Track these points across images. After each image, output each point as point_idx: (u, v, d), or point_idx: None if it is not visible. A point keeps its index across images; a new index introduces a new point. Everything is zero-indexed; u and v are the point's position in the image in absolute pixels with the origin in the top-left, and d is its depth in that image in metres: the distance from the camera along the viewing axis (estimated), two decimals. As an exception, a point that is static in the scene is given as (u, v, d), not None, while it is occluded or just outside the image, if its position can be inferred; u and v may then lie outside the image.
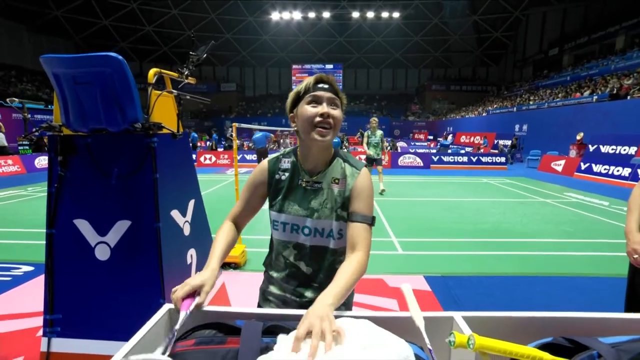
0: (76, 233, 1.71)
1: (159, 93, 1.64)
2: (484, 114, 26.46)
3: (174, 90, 1.77)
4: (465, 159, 13.23)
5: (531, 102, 21.57)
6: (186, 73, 1.90)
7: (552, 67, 26.70)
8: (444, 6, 32.67)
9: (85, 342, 1.72)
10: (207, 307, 0.90)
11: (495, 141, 18.09)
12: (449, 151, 15.60)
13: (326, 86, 1.01)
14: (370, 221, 1.01)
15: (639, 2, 18.90)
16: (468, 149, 17.65)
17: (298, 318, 0.76)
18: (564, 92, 19.49)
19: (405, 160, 13.18)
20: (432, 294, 3.08)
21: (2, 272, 3.50)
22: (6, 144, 12.78)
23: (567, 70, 23.60)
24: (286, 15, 33.36)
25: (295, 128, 1.05)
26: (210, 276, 0.91)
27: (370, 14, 33.66)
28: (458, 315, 0.83)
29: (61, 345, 1.73)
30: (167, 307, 0.91)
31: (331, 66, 38.66)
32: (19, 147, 14.65)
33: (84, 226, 1.72)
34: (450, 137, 23.14)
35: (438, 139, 20.86)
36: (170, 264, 1.77)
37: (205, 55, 1.92)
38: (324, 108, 0.98)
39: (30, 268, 3.57)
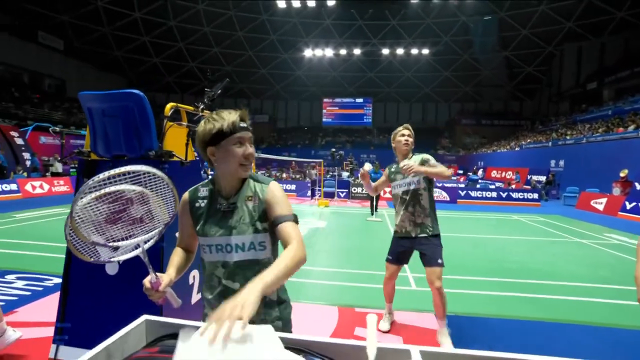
0: (92, 248, 1.89)
1: (170, 124, 1.85)
2: (516, 149, 25.55)
3: (183, 123, 1.98)
4: (494, 194, 12.72)
5: (568, 137, 20.62)
6: (201, 107, 2.11)
7: (591, 101, 25.62)
8: (474, 43, 32.98)
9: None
10: (177, 320, 0.98)
11: (528, 177, 17.28)
12: (478, 186, 15.09)
13: (246, 125, 1.14)
14: (293, 218, 1.13)
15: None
16: (498, 184, 16.98)
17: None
18: (605, 127, 18.51)
19: (430, 193, 12.90)
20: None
21: (36, 282, 3.81)
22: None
23: (609, 104, 22.53)
24: (319, 52, 35.17)
25: (213, 160, 1.13)
26: (167, 274, 1.13)
27: (399, 51, 34.65)
28: (416, 350, 0.84)
29: (68, 353, 1.85)
30: (144, 317, 1.01)
31: (361, 100, 39.61)
32: (70, 170, 16.11)
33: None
34: (480, 172, 22.43)
35: (468, 173, 20.26)
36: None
37: (219, 91, 2.13)
38: (247, 149, 1.12)
39: (60, 280, 3.85)
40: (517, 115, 36.40)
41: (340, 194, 13.45)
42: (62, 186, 12.55)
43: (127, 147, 1.84)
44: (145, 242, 1.14)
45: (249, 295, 0.85)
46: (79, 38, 28.53)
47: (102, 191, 1.04)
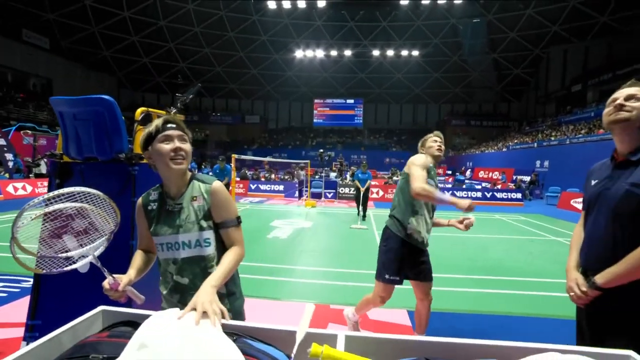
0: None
1: (140, 128, 1.92)
2: (504, 150, 26.03)
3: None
4: (479, 194, 12.98)
5: (553, 138, 21.12)
6: (174, 111, 2.18)
7: (575, 103, 26.27)
8: (463, 45, 33.48)
9: (60, 349, 1.89)
10: (133, 310, 1.06)
11: (514, 177, 17.66)
12: (464, 186, 15.35)
13: (174, 125, 1.21)
14: (237, 222, 1.26)
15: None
16: (485, 184, 17.28)
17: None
18: (587, 129, 19.01)
19: (417, 193, 13.10)
20: (411, 329, 3.05)
21: (12, 283, 3.81)
22: None
23: (592, 106, 23.13)
24: (310, 53, 35.28)
25: (152, 163, 1.25)
26: (127, 274, 1.22)
27: (390, 52, 34.96)
28: (342, 334, 0.93)
29: (40, 350, 1.91)
30: (101, 308, 1.08)
31: (352, 101, 39.84)
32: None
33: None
34: (468, 172, 22.78)
35: (456, 174, 20.59)
36: (141, 280, 1.95)
37: (192, 96, 2.21)
38: (175, 144, 1.18)
39: (39, 282, 3.86)
40: (505, 117, 37.07)
41: (327, 194, 13.55)
42: (45, 187, 12.38)
43: (98, 149, 1.90)
44: (96, 250, 1.23)
45: (208, 294, 1.01)
46: (65, 37, 28.07)
47: (42, 211, 1.14)
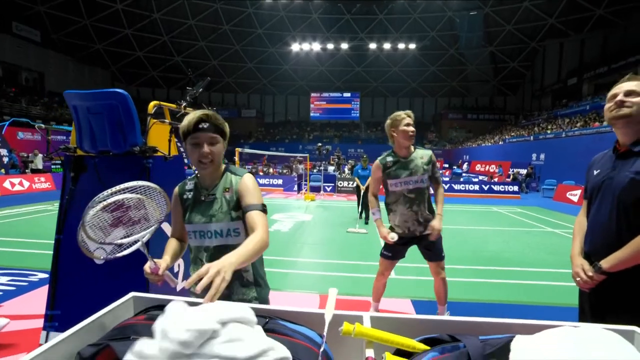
0: (79, 239, 1.99)
1: (154, 121, 1.95)
2: (500, 143, 26.20)
3: (166, 120, 2.07)
4: (476, 187, 13.11)
5: (549, 131, 21.29)
6: (183, 105, 2.21)
7: (571, 96, 26.45)
8: (460, 38, 33.42)
9: (79, 338, 1.94)
10: (162, 296, 1.10)
11: (511, 170, 17.83)
12: (461, 179, 15.49)
13: (205, 126, 1.21)
14: (260, 207, 1.25)
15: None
16: (482, 178, 17.44)
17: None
18: (583, 122, 19.18)
19: (415, 186, 13.20)
20: (416, 317, 3.14)
21: (20, 277, 3.84)
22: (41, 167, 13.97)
23: (587, 100, 23.31)
24: (306, 46, 35.03)
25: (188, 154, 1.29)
26: (164, 259, 1.27)
27: (387, 46, 34.82)
28: (367, 315, 0.99)
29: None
30: (132, 294, 1.13)
31: (348, 94, 39.74)
32: (52, 166, 15.76)
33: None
34: (465, 166, 22.93)
35: (453, 167, 20.73)
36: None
37: (201, 89, 2.23)
38: (202, 149, 1.21)
39: (45, 275, 3.89)
40: (502, 110, 37.22)
41: (326, 188, 13.61)
42: (43, 183, 12.30)
43: (112, 143, 1.93)
44: (144, 237, 1.28)
45: (226, 263, 1.00)
46: (57, 30, 27.53)
47: (107, 201, 1.19)
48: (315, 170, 14.82)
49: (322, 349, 0.78)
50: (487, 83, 36.64)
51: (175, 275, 2.20)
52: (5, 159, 14.38)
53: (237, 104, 39.80)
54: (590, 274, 1.42)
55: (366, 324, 0.95)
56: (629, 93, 1.39)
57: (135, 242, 1.30)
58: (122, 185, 1.20)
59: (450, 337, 0.84)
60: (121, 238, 1.28)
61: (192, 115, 1.22)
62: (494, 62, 34.53)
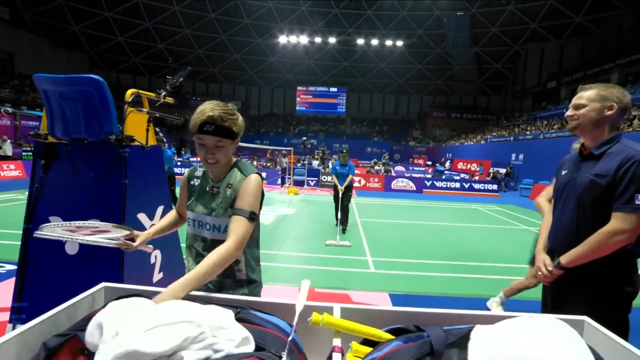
0: (50, 229, 1.93)
1: (130, 110, 1.90)
2: (482, 142, 26.86)
3: (143, 109, 2.02)
4: (457, 185, 13.44)
5: (528, 132, 21.99)
6: (163, 94, 2.16)
7: (550, 99, 27.36)
8: (447, 37, 33.86)
9: (49, 330, 1.89)
10: (134, 286, 1.09)
11: (491, 169, 18.35)
12: (443, 177, 15.83)
13: (210, 129, 1.16)
14: (247, 215, 1.20)
15: (632, 41, 19.62)
16: (464, 176, 17.87)
17: (204, 298, 0.98)
18: (560, 124, 19.90)
19: (398, 184, 13.39)
20: (392, 310, 3.21)
21: (-12, 269, 3.69)
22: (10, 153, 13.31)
23: (564, 103, 24.17)
24: (293, 38, 34.65)
25: None
26: (143, 234, 1.30)
27: (374, 42, 34.88)
28: (337, 306, 1.01)
29: (26, 331, 1.90)
30: (103, 284, 1.11)
31: (335, 89, 39.67)
32: (23, 153, 15.05)
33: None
34: (448, 164, 23.42)
35: (436, 165, 21.13)
36: (132, 262, 1.96)
37: (182, 79, 2.19)
38: (207, 151, 1.19)
39: (14, 267, 3.75)
40: (485, 110, 38.09)
41: (310, 182, 13.63)
42: (12, 171, 11.74)
43: (86, 130, 1.87)
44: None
45: (165, 296, 0.99)
46: (28, 8, 25.97)
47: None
48: (299, 165, 14.79)
49: (290, 338, 0.80)
50: (471, 83, 37.37)
51: (152, 267, 2.17)
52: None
53: (222, 94, 39.04)
54: (550, 268, 1.50)
55: (336, 314, 0.97)
56: (577, 106, 1.52)
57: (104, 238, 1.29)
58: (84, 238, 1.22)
59: (415, 328, 0.88)
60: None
61: (199, 115, 1.17)
62: (479, 62, 35.23)
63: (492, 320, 0.92)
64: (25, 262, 1.92)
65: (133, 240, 1.26)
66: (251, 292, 1.33)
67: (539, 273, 1.60)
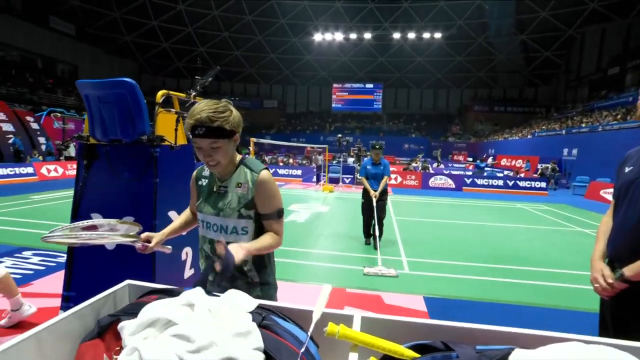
0: (92, 225, 2.05)
1: (160, 110, 1.95)
2: (528, 137, 25.00)
3: (172, 110, 2.08)
4: (500, 182, 12.61)
5: (583, 125, 20.05)
6: (193, 94, 2.21)
7: (612, 87, 24.69)
8: (489, 26, 31.85)
9: (91, 319, 2.02)
10: (157, 285, 1.10)
11: (539, 165, 17.00)
12: (485, 174, 14.94)
13: (201, 132, 1.12)
14: (276, 216, 1.27)
15: None
16: (508, 172, 16.75)
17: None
18: (623, 114, 17.91)
19: (436, 181, 12.86)
20: (427, 315, 3.06)
21: (49, 258, 4.07)
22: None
23: (630, 91, 21.69)
24: (328, 36, 34.59)
25: None
26: (158, 234, 1.32)
27: (411, 35, 33.77)
28: (358, 315, 0.94)
29: (72, 320, 2.04)
30: (127, 282, 1.14)
31: (371, 85, 39.05)
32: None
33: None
34: (490, 160, 22.10)
35: (476, 161, 20.00)
36: (164, 259, 2.03)
37: (210, 79, 2.22)
38: (204, 154, 1.17)
39: (70, 258, 4.11)
40: (532, 102, 35.43)
41: (345, 179, 13.52)
42: (74, 170, 12.98)
43: (122, 131, 1.96)
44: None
45: (239, 249, 1.09)
46: (89, 23, 28.67)
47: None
48: (334, 162, 14.75)
49: (302, 350, 0.75)
50: (517, 74, 34.88)
51: (183, 263, 2.24)
52: (43, 147, 15.26)
53: (259, 94, 40.09)
54: (610, 280, 1.29)
55: (356, 324, 0.90)
56: None
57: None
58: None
59: (443, 345, 0.78)
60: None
61: (188, 118, 1.15)
62: (526, 51, 32.74)
63: (536, 341, 0.80)
64: (72, 256, 2.06)
65: (149, 241, 1.28)
66: (264, 294, 1.29)
67: (596, 285, 1.40)
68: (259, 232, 1.27)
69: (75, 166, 9.89)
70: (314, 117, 39.83)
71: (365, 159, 5.31)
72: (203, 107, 1.14)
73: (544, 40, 31.06)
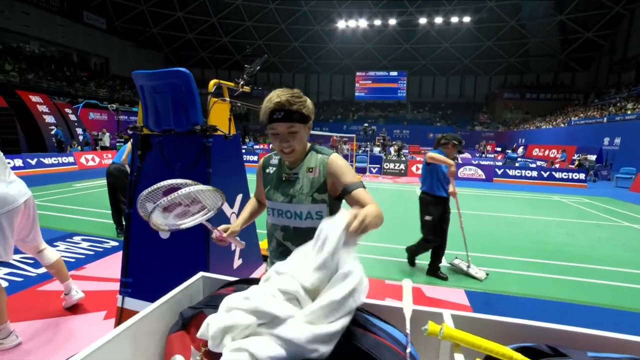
0: (147, 214, 2.11)
1: (215, 100, 1.95)
2: (563, 125, 23.64)
3: (227, 99, 2.07)
4: (534, 173, 12.03)
5: (629, 112, 18.67)
6: (241, 83, 2.20)
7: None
8: (523, 7, 30.00)
9: (147, 304, 2.09)
10: (228, 277, 1.11)
11: (576, 156, 16.06)
12: (517, 164, 14.30)
13: (280, 116, 1.12)
14: (361, 185, 1.19)
15: None
16: (540, 163, 15.96)
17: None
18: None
19: (465, 172, 12.46)
20: (471, 309, 2.98)
21: (97, 244, 4.28)
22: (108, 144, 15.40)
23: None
24: (352, 23, 33.86)
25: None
26: (233, 225, 1.34)
27: (438, 20, 32.44)
28: (447, 313, 0.90)
29: (131, 303, 2.13)
30: (200, 274, 1.15)
31: (395, 73, 38.09)
32: (117, 144, 17.27)
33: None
34: (520, 150, 21.12)
35: (506, 151, 19.15)
36: (215, 247, 2.06)
37: (258, 67, 2.20)
38: (281, 140, 1.16)
39: (116, 243, 4.31)
40: (568, 88, 33.38)
41: (372, 169, 13.37)
42: (110, 159, 13.57)
43: (175, 121, 1.98)
44: (205, 217, 1.31)
45: (368, 215, 0.91)
46: (119, 17, 29.52)
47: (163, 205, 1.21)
48: (360, 151, 14.58)
49: (408, 351, 0.72)
50: (552, 57, 32.84)
51: (232, 253, 2.27)
52: (81, 137, 16.03)
53: (282, 83, 40.09)
54: None
55: (447, 322, 0.87)
56: None
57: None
58: (177, 194, 1.19)
59: (550, 349, 0.73)
60: (182, 219, 1.33)
61: (267, 104, 1.14)
62: (564, 32, 30.64)
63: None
64: (128, 244, 2.13)
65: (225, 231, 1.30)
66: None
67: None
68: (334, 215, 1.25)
69: (109, 155, 10.29)
70: (337, 105, 39.47)
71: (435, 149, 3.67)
72: (280, 93, 1.14)
73: (585, 20, 28.88)
